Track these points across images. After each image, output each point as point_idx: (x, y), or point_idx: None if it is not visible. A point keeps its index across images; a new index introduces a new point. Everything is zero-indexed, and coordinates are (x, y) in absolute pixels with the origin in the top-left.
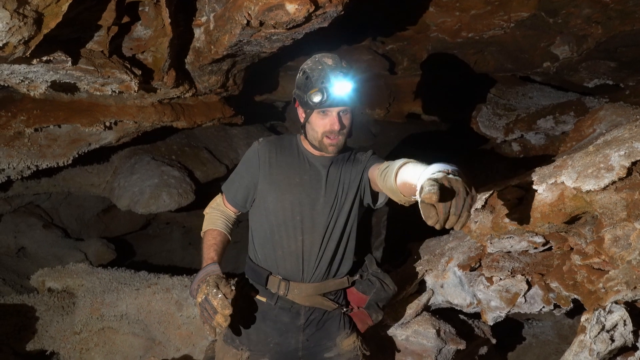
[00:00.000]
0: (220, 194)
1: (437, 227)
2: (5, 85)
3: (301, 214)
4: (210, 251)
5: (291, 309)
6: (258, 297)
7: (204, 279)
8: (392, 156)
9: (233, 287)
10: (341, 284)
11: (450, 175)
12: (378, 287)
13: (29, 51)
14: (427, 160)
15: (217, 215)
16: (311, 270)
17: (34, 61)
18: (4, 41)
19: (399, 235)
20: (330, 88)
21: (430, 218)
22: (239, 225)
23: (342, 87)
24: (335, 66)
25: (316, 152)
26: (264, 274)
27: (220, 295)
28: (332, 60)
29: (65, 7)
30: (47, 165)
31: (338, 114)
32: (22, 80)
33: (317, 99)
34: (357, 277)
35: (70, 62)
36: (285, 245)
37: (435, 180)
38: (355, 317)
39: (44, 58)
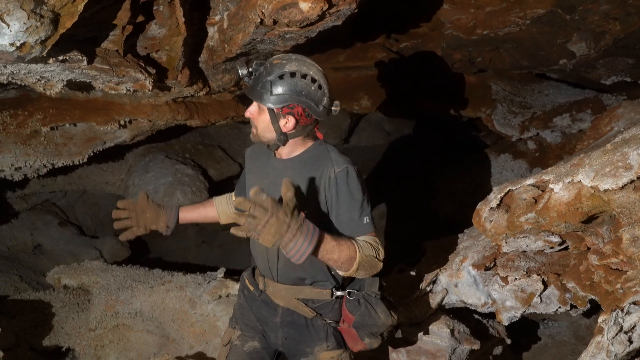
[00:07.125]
0: None
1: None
2: (22, 84)
3: None
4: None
5: (270, 304)
6: (249, 285)
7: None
8: (405, 155)
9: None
10: (319, 294)
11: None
12: (363, 311)
13: (46, 51)
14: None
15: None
16: (276, 271)
17: (51, 61)
18: (22, 41)
19: (413, 234)
20: (248, 74)
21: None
22: None
23: (255, 78)
24: (273, 62)
25: (277, 155)
26: (252, 266)
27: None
28: (280, 58)
29: (81, 7)
30: (63, 163)
31: (254, 105)
32: (38, 80)
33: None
34: (344, 292)
35: (85, 62)
36: (258, 245)
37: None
38: (346, 334)
39: (60, 57)
